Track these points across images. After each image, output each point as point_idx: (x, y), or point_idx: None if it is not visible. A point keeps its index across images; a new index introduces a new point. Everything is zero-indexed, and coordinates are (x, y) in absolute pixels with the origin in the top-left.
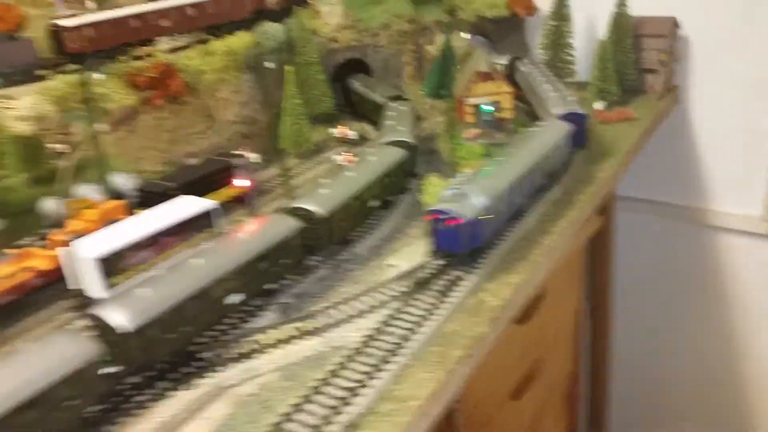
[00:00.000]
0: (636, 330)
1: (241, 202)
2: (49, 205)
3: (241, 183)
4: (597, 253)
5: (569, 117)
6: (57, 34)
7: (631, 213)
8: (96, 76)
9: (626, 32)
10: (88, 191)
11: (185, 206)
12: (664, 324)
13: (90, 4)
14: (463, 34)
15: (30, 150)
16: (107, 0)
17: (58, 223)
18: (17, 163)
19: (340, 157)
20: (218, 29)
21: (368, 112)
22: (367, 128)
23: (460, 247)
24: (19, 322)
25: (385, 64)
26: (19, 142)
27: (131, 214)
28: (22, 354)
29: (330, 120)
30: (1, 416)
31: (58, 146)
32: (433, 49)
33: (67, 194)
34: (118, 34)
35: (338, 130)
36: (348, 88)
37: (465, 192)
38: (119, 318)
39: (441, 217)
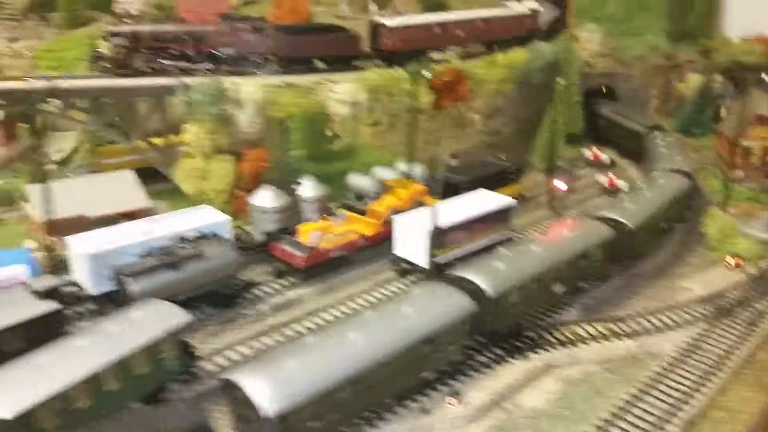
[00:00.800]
0: None
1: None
2: (358, 180)
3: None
4: None
5: None
6: (375, 31)
7: None
8: (424, 73)
9: None
10: (386, 174)
11: (487, 200)
12: None
13: (373, 7)
14: (764, 75)
15: (313, 131)
16: (388, 3)
17: (360, 196)
18: (302, 140)
19: (604, 178)
20: (496, 44)
21: (617, 138)
22: (612, 153)
23: None
24: (346, 274)
25: (633, 94)
26: (306, 122)
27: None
28: (418, 298)
29: (572, 141)
30: (407, 347)
31: (338, 131)
32: (683, 87)
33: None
34: (424, 38)
35: (590, 152)
36: (594, 113)
37: None
38: (487, 284)
39: None
